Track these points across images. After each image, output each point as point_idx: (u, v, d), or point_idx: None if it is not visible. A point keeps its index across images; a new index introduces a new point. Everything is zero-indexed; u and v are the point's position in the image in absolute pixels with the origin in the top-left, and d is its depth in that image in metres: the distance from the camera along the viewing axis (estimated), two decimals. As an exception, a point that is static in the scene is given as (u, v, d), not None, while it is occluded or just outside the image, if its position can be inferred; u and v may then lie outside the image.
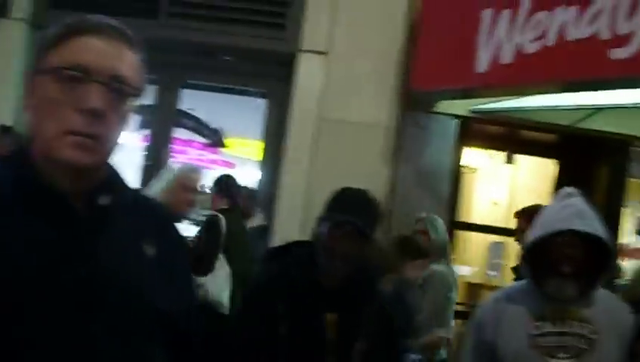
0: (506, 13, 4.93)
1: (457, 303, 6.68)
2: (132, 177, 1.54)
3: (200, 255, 5.20)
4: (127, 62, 1.48)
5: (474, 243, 8.66)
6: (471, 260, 8.81)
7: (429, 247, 4.92)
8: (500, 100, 5.67)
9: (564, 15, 4.54)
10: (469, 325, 3.11)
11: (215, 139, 12.35)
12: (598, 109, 5.70)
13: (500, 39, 4.95)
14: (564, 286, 2.78)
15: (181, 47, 6.04)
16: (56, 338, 1.36)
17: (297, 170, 5.83)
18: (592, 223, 2.77)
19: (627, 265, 7.21)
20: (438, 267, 4.98)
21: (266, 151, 6.46)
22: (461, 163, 6.47)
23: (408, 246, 4.74)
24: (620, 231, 6.75)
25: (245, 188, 6.58)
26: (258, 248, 5.62)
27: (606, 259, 2.83)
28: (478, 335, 2.99)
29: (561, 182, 6.33)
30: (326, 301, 2.81)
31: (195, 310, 1.70)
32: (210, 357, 1.83)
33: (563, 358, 2.75)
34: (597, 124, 5.90)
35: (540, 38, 4.69)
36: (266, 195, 6.27)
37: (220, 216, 5.50)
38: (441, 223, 5.19)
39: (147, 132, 6.56)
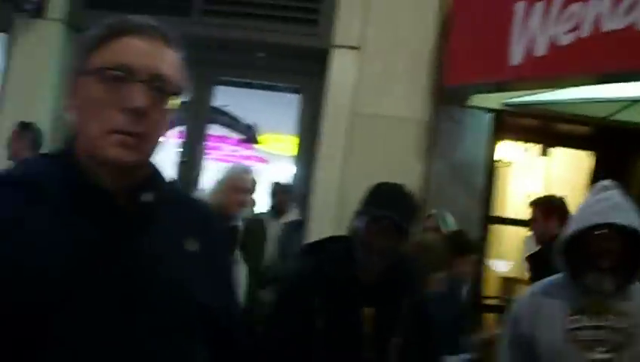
0: (539, 5, 4.90)
1: (492, 297, 6.66)
2: (167, 174, 1.56)
3: None
4: (168, 61, 1.51)
5: (509, 238, 8.60)
6: (506, 254, 8.74)
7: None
8: (534, 93, 5.64)
9: (598, 6, 4.51)
10: (506, 319, 3.11)
11: (249, 136, 12.39)
12: (633, 101, 5.65)
13: (533, 31, 4.92)
14: (602, 279, 2.77)
15: (214, 44, 6.07)
16: (100, 335, 1.38)
17: (331, 165, 5.84)
18: (629, 216, 2.75)
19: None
20: None
21: (300, 146, 6.48)
22: (495, 157, 6.44)
23: (458, 241, 4.70)
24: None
25: (279, 183, 6.62)
26: (293, 243, 5.65)
27: (643, 252, 2.81)
28: (515, 329, 2.98)
29: (596, 175, 6.30)
30: (363, 295, 2.82)
31: (236, 307, 1.72)
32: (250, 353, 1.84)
33: (601, 352, 2.73)
34: (633, 116, 5.85)
35: (574, 29, 4.65)
36: (301, 191, 6.28)
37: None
38: (451, 219, 5.17)
39: (182, 129, 6.62)
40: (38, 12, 6.31)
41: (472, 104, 5.84)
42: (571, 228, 2.85)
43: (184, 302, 1.51)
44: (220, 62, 6.22)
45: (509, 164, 8.53)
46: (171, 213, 1.59)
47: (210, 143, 7.67)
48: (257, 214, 6.42)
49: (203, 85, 6.36)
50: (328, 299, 2.79)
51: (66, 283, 1.37)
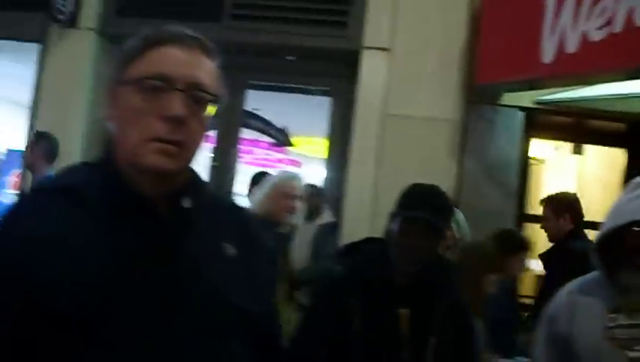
0: (570, 1, 4.86)
1: (528, 296, 6.61)
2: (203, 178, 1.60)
3: None
4: (206, 69, 1.54)
5: (543, 236, 8.55)
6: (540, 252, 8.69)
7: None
8: (567, 90, 5.60)
9: (631, 1, 4.46)
10: (542, 318, 3.09)
11: (281, 139, 12.43)
12: (668, 97, 5.59)
13: (565, 28, 4.88)
14: (638, 277, 2.74)
15: (245, 49, 6.11)
16: (142, 339, 1.41)
17: (363, 166, 5.84)
18: (665, 213, 2.72)
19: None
20: None
21: (332, 148, 6.48)
22: (528, 155, 6.40)
23: (509, 240, 4.66)
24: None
25: (312, 186, 6.64)
26: (327, 245, 5.66)
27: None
28: (551, 327, 2.95)
29: (630, 172, 6.23)
30: (398, 297, 2.83)
31: (275, 311, 1.73)
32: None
33: (638, 351, 2.71)
34: (667, 112, 5.79)
35: (606, 25, 4.61)
36: (333, 192, 6.29)
37: None
38: (462, 217, 5.15)
39: (214, 133, 6.65)
40: (71, 22, 6.39)
41: (504, 102, 5.81)
42: (606, 225, 2.82)
43: (223, 307, 1.53)
44: (250, 66, 6.25)
45: (542, 162, 8.48)
46: (210, 218, 1.62)
47: (242, 147, 7.72)
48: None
49: (234, 89, 6.39)
50: (364, 301, 2.80)
51: (107, 289, 1.40)
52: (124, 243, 1.45)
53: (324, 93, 6.75)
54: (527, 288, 7.68)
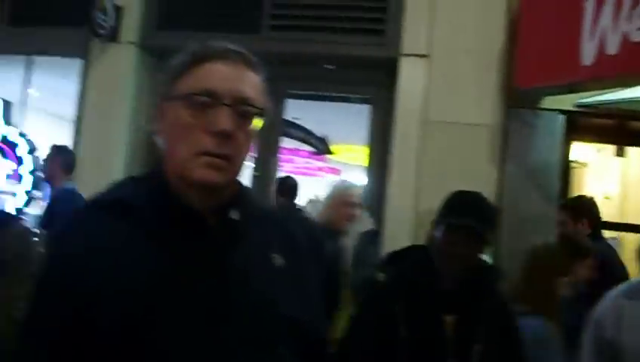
0: (610, 3, 4.82)
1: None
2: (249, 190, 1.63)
3: None
4: (251, 83, 1.58)
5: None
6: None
7: None
8: (608, 92, 5.54)
9: (672, 1, 4.42)
10: (588, 322, 3.07)
11: (321, 147, 12.47)
12: None
13: (605, 30, 4.84)
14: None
15: (284, 59, 6.15)
16: (190, 350, 1.44)
17: (404, 173, 5.83)
18: None
19: None
20: None
21: (372, 156, 6.49)
22: (570, 158, 6.34)
23: (576, 245, 4.63)
24: None
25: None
26: (368, 253, 5.66)
27: None
28: (598, 332, 2.94)
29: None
30: (443, 303, 2.83)
31: (325, 321, 1.74)
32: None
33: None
34: None
35: (647, 26, 4.57)
36: (375, 200, 6.29)
37: None
38: None
39: (255, 143, 6.67)
40: (112, 36, 6.49)
41: (544, 106, 5.77)
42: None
43: (272, 316, 1.55)
44: (290, 76, 6.28)
45: (584, 165, 8.40)
46: (258, 229, 1.65)
47: (282, 156, 7.76)
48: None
49: (274, 99, 6.40)
50: (409, 308, 2.81)
51: (156, 300, 1.44)
52: (174, 256, 1.49)
53: (363, 101, 6.77)
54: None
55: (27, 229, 2.13)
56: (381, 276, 3.25)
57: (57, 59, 7.39)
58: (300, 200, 7.44)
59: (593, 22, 4.91)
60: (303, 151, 13.24)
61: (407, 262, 3.01)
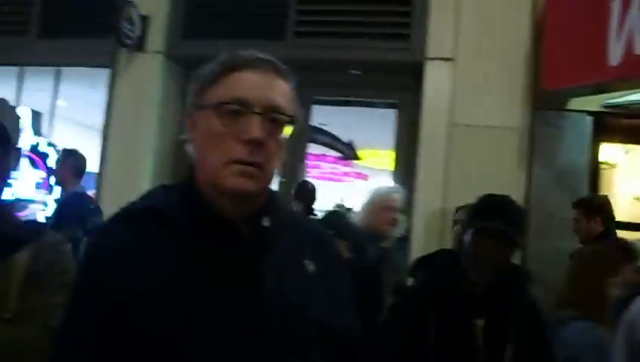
0: (637, 2, 4.79)
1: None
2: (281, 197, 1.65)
3: None
4: (281, 92, 1.59)
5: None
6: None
7: None
8: (635, 92, 5.50)
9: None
10: (619, 323, 3.04)
11: (348, 152, 12.48)
12: None
13: (632, 30, 4.81)
14: None
15: (310, 65, 6.17)
16: (224, 356, 1.45)
17: (431, 177, 5.82)
18: None
19: None
20: None
21: (399, 160, 6.49)
22: (598, 160, 6.29)
23: (627, 249, 4.61)
24: None
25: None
26: (397, 258, 5.65)
27: None
28: (630, 333, 2.92)
29: None
30: (473, 307, 2.83)
31: (356, 326, 1.75)
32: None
33: None
34: None
35: (675, 25, 4.54)
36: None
37: None
38: None
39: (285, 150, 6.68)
40: (139, 46, 6.56)
41: (571, 107, 5.74)
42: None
43: (304, 322, 1.55)
44: (315, 82, 6.30)
45: (613, 166, 8.32)
46: (289, 236, 1.65)
47: (309, 162, 7.77)
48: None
49: (301, 105, 6.41)
50: (439, 312, 2.80)
51: (190, 307, 1.45)
52: (208, 264, 1.50)
53: (389, 106, 6.77)
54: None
55: (60, 239, 2.15)
56: (410, 281, 3.25)
57: (85, 69, 7.49)
58: (324, 205, 7.44)
59: (620, 22, 4.88)
60: (330, 156, 13.26)
61: (436, 267, 3.01)
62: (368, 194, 5.03)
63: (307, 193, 6.69)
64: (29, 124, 9.28)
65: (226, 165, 1.52)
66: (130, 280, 1.46)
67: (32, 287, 1.95)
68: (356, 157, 12.96)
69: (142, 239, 1.52)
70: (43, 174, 9.44)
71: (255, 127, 1.51)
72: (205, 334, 1.44)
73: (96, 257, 1.56)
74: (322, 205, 7.50)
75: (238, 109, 1.53)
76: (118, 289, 1.45)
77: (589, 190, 5.86)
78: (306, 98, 6.46)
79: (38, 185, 9.42)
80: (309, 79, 6.07)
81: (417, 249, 5.51)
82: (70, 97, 9.76)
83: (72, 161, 6.18)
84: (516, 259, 3.65)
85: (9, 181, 2.06)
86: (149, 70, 6.65)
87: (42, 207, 9.21)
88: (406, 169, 6.25)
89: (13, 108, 2.10)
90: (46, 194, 9.37)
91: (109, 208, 5.99)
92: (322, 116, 8.53)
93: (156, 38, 6.64)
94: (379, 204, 4.78)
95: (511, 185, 5.38)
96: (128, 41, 6.45)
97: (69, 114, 10.84)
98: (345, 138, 12.05)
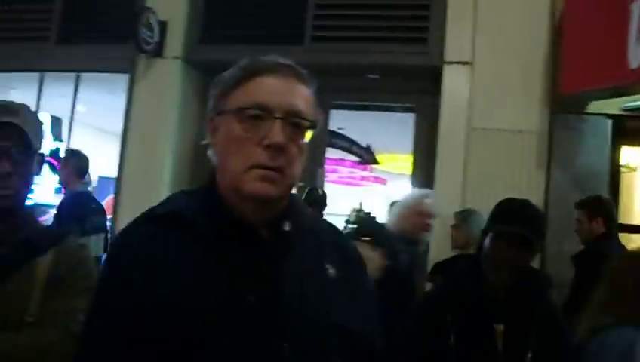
0: (657, 5, 4.77)
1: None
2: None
3: None
4: (302, 97, 1.59)
5: (637, 246, 8.31)
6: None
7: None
8: (654, 95, 5.48)
9: None
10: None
11: (366, 157, 12.46)
12: None
13: (651, 32, 4.79)
14: None
15: (328, 70, 6.17)
16: (246, 357, 1.45)
17: (450, 181, 5.81)
18: None
19: None
20: None
21: (417, 164, 6.48)
22: (619, 163, 6.26)
23: None
24: None
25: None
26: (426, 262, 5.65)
27: None
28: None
29: None
30: (493, 312, 2.82)
31: (378, 330, 1.75)
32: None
33: None
34: None
35: (694, 27, 4.51)
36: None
37: None
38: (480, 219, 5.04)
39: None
40: (158, 52, 6.60)
41: (590, 110, 5.72)
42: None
43: (324, 326, 1.55)
44: (333, 86, 6.30)
45: (633, 170, 8.27)
46: (310, 240, 1.65)
47: (327, 166, 7.79)
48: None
49: (319, 110, 6.41)
50: (459, 317, 2.80)
51: (212, 311, 1.45)
52: (229, 268, 1.51)
53: (407, 110, 6.77)
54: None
55: (82, 244, 2.17)
56: (429, 285, 3.25)
57: (104, 75, 7.54)
58: (343, 209, 7.43)
59: None
60: (348, 160, 13.25)
61: (456, 271, 3.00)
62: (401, 199, 5.03)
63: (315, 200, 6.67)
64: (49, 130, 9.34)
65: (248, 170, 1.52)
66: (154, 281, 1.47)
67: (53, 291, 1.96)
68: (374, 162, 12.94)
69: (164, 243, 1.52)
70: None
71: (276, 132, 1.51)
72: (227, 337, 1.44)
73: (118, 257, 1.57)
74: (341, 209, 7.49)
75: (259, 114, 1.53)
76: (140, 290, 1.46)
77: (609, 193, 5.83)
78: (324, 102, 6.41)
79: (57, 190, 9.47)
80: (327, 84, 6.03)
81: (436, 253, 5.50)
82: (89, 103, 9.81)
83: (74, 161, 6.19)
84: (535, 262, 3.64)
85: (32, 186, 2.08)
86: (167, 75, 6.69)
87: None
88: (424, 173, 6.24)
89: (35, 114, 2.12)
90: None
91: (128, 213, 6.05)
92: (340, 120, 8.54)
93: (174, 43, 6.68)
94: (412, 209, 4.77)
95: (530, 188, 5.38)
96: (147, 47, 6.49)
97: (89, 119, 10.89)
98: (363, 142, 12.04)
